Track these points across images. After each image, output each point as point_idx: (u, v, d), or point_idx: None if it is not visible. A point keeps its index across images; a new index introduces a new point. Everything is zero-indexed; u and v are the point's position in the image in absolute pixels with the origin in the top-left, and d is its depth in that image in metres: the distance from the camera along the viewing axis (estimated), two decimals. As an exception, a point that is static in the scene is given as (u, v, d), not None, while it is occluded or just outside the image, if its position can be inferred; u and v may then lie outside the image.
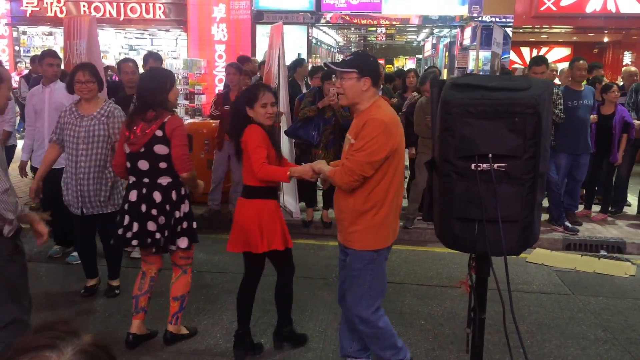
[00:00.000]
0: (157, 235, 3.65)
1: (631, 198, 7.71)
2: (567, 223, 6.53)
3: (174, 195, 3.64)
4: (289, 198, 7.08)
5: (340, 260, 3.41)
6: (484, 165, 1.88)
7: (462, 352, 3.92)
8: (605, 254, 6.16)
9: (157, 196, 3.61)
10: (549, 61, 7.16)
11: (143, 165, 3.60)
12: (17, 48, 13.95)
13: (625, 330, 4.31)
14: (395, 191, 3.07)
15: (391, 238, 3.17)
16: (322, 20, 13.46)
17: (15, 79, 12.30)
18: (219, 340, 3.98)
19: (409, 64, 23.05)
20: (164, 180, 3.61)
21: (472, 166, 1.90)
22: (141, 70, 6.50)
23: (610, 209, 7.23)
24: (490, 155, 1.86)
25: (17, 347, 0.94)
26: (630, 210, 7.51)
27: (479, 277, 2.17)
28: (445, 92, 1.92)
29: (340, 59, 3.55)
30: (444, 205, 2.00)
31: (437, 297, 4.89)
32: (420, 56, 23.51)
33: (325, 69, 6.02)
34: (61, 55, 6.64)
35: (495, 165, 1.87)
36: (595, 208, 7.30)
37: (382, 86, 7.23)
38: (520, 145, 1.87)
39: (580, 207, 7.20)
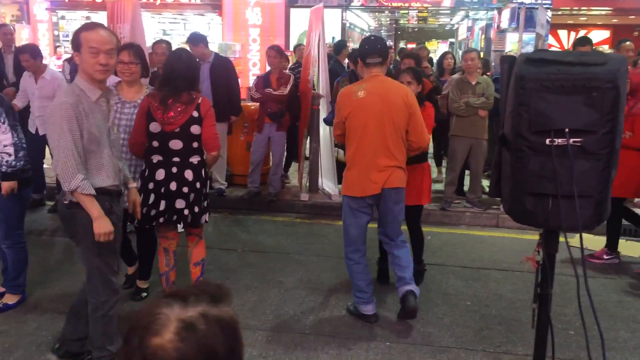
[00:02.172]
0: (186, 212, 3.72)
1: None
2: (610, 207, 6.43)
3: (203, 173, 3.77)
4: (327, 181, 7.12)
5: None
6: (560, 140, 1.88)
7: (510, 333, 3.94)
8: (650, 238, 6.06)
9: (189, 174, 3.69)
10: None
11: (176, 144, 3.63)
12: (56, 33, 14.21)
13: (675, 315, 4.26)
14: (353, 152, 3.88)
15: (353, 189, 3.93)
16: (354, 3, 13.38)
17: (55, 63, 12.57)
18: (269, 316, 4.07)
19: (442, 47, 22.76)
20: (195, 159, 3.71)
21: (547, 141, 1.91)
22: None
23: (654, 193, 7.08)
24: (566, 130, 1.87)
25: (170, 292, 1.01)
26: (675, 195, 7.35)
27: (548, 253, 2.17)
28: (519, 67, 1.92)
29: None
30: (516, 181, 2.01)
31: (481, 279, 4.89)
32: (453, 40, 23.19)
33: None
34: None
35: (571, 140, 1.88)
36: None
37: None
38: (598, 120, 1.87)
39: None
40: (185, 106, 3.59)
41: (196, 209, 3.75)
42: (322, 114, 6.79)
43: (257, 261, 5.15)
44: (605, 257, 5.35)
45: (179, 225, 3.90)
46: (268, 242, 5.69)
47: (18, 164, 3.73)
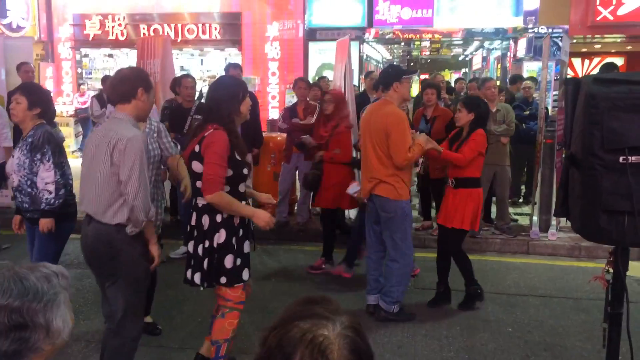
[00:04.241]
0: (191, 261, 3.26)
1: None
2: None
3: (205, 220, 3.14)
4: (354, 210, 7.13)
5: None
6: (634, 157, 1.91)
7: (557, 359, 3.88)
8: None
9: (193, 217, 3.22)
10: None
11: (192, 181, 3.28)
12: (79, 70, 14.51)
13: None
14: None
15: None
16: (366, 36, 13.57)
17: (78, 100, 12.81)
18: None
19: (455, 77, 22.96)
20: (200, 202, 3.16)
21: (621, 159, 1.94)
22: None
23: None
24: (641, 147, 1.90)
25: (294, 313, 1.05)
26: None
27: (619, 271, 2.17)
28: (589, 87, 1.97)
29: None
30: (588, 199, 2.03)
31: (520, 305, 4.84)
32: (466, 70, 23.40)
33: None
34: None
35: (646, 158, 1.91)
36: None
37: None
38: (672, 137, 1.90)
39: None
40: (194, 139, 3.16)
41: (192, 262, 3.20)
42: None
43: (294, 290, 5.14)
44: (323, 266, 5.69)
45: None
46: (301, 271, 5.68)
47: (57, 202, 3.63)
